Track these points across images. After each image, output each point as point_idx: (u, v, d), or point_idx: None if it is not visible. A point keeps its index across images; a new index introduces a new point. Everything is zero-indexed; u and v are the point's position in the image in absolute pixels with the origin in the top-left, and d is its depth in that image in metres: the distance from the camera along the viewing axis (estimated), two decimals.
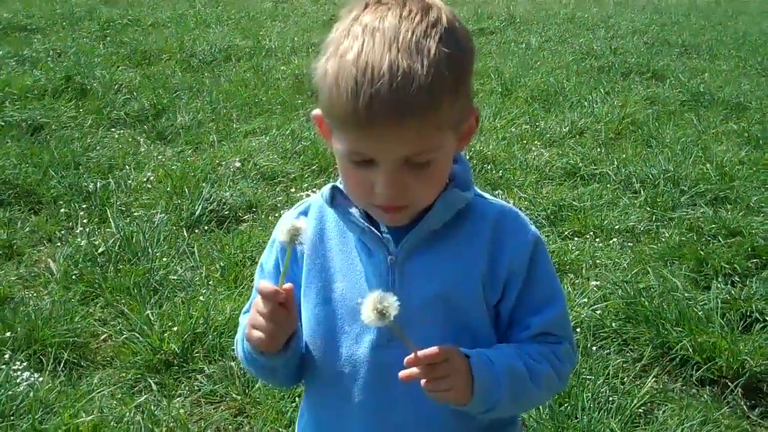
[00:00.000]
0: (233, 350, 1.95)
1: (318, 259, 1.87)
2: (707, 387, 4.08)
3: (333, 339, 1.86)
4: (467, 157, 6.76)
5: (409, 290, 1.77)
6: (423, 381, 1.65)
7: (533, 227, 1.87)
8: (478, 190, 1.88)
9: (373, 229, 1.80)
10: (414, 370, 1.63)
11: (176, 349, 4.21)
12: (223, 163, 6.99)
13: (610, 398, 3.82)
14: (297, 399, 3.69)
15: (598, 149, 7.60)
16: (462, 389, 1.68)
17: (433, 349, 1.64)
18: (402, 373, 1.64)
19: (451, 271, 1.78)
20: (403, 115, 1.54)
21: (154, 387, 3.99)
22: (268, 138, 7.71)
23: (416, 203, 1.73)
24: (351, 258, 1.85)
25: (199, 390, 3.99)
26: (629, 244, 5.59)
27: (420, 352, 1.63)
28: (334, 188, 1.82)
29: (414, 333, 1.68)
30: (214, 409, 3.90)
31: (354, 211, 1.80)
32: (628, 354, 4.30)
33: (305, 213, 1.93)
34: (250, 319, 1.76)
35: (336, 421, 1.91)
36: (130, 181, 6.53)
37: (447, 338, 1.74)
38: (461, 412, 1.78)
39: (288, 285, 1.71)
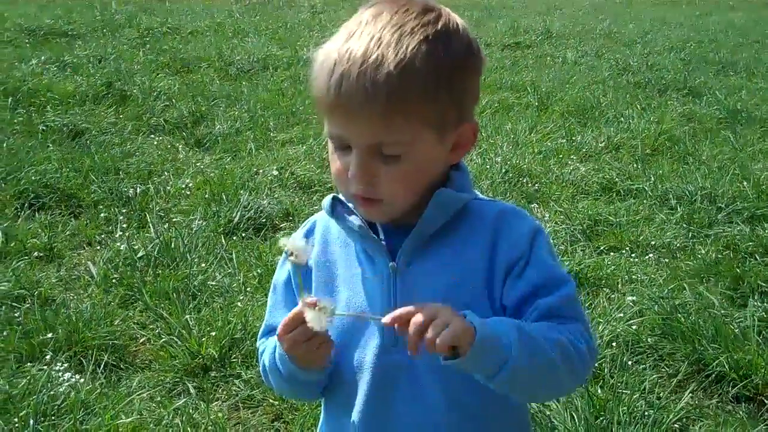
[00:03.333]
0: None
1: (323, 271, 1.90)
2: (743, 404, 4.06)
3: (343, 349, 1.88)
4: (503, 170, 6.83)
5: (412, 296, 1.77)
6: (423, 339, 1.59)
7: (534, 220, 1.87)
8: (479, 194, 1.89)
9: (373, 235, 1.82)
10: (394, 316, 1.61)
11: (214, 353, 4.25)
12: (261, 171, 7.05)
13: (646, 413, 3.81)
14: None
15: (635, 165, 7.58)
16: (460, 324, 1.59)
17: (404, 308, 1.62)
18: (383, 320, 1.62)
19: (452, 273, 1.79)
20: (367, 97, 1.61)
21: (192, 391, 4.04)
22: (305, 147, 7.76)
23: (388, 200, 1.74)
24: (354, 267, 1.87)
25: (237, 395, 4.03)
26: (665, 260, 5.57)
27: (395, 313, 1.61)
28: (335, 198, 1.86)
29: None
30: (251, 413, 3.93)
31: (353, 219, 1.83)
32: (663, 369, 4.30)
33: (312, 230, 1.97)
34: (296, 343, 1.75)
35: (345, 424, 1.92)
36: (169, 188, 6.62)
37: None
38: (467, 414, 1.81)
39: (312, 298, 1.72)
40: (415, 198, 1.77)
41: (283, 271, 1.99)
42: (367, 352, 1.85)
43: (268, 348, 1.94)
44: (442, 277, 1.79)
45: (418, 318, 1.59)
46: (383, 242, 1.83)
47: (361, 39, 1.65)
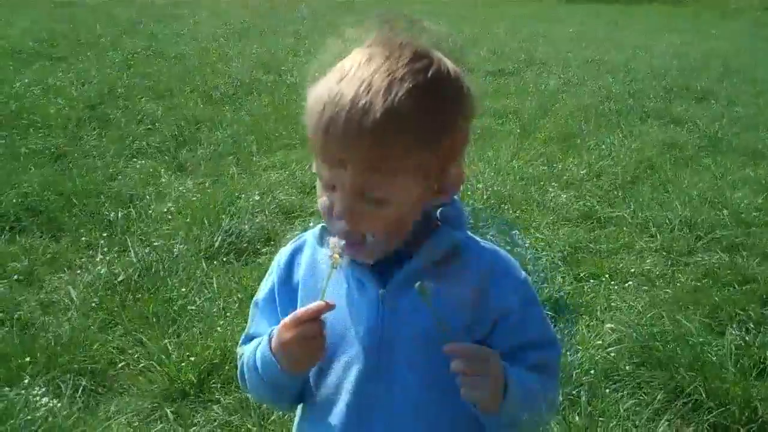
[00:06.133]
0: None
1: (310, 290, 1.92)
2: None
3: (323, 367, 1.91)
4: (485, 197, 6.85)
5: (399, 325, 1.84)
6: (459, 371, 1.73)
7: (524, 272, 1.94)
8: (471, 234, 1.94)
9: (364, 263, 1.86)
10: (456, 347, 1.73)
11: (193, 379, 4.25)
12: (243, 195, 7.05)
13: None
14: None
15: (615, 192, 7.63)
16: (493, 396, 1.73)
17: (475, 346, 1.75)
18: (446, 347, 1.72)
19: (439, 307, 1.80)
20: (353, 144, 1.64)
21: (170, 416, 4.03)
22: (287, 172, 7.77)
23: (370, 240, 1.78)
24: (341, 290, 1.89)
25: (215, 420, 4.02)
26: (644, 287, 5.60)
27: (461, 344, 1.73)
28: (324, 228, 1.90)
29: (402, 366, 1.79)
30: None
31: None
32: (641, 397, 4.31)
33: (301, 248, 2.00)
34: (293, 341, 1.79)
35: None
36: (150, 211, 6.60)
37: (434, 371, 1.80)
38: None
39: (332, 301, 1.78)
40: (399, 240, 1.82)
41: (266, 287, 2.03)
42: (348, 375, 1.88)
43: (249, 349, 1.97)
44: (429, 310, 1.81)
45: (468, 365, 1.72)
46: (377, 270, 1.86)
47: (351, 82, 1.67)
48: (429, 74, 1.70)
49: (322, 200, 1.80)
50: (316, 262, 1.94)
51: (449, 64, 1.77)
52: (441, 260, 1.85)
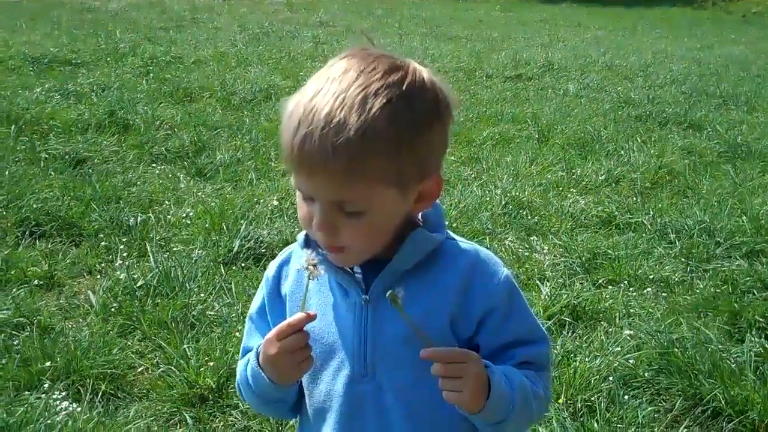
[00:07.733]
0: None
1: (296, 302, 1.95)
2: None
3: (313, 377, 1.94)
4: (503, 202, 6.84)
5: (383, 328, 1.86)
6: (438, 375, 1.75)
7: (507, 270, 1.94)
8: (452, 234, 1.95)
9: (347, 269, 1.88)
10: (433, 352, 1.74)
11: (212, 384, 4.26)
12: (261, 201, 7.07)
13: None
14: None
15: (634, 198, 7.62)
16: (475, 395, 1.75)
17: (451, 349, 1.78)
18: (423, 353, 1.74)
19: (421, 309, 1.83)
20: (327, 161, 1.64)
21: (189, 421, 4.04)
22: None
23: (352, 249, 1.80)
24: (326, 298, 1.93)
25: (234, 425, 4.04)
26: (663, 294, 5.58)
27: (437, 349, 1.75)
28: (307, 234, 1.91)
29: (390, 368, 1.83)
30: None
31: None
32: (660, 404, 4.30)
33: (288, 260, 2.03)
34: (279, 354, 1.81)
35: None
36: (169, 217, 6.63)
37: (420, 375, 1.82)
38: None
39: (313, 311, 1.81)
40: (378, 248, 1.83)
41: (258, 301, 2.06)
42: (336, 381, 1.91)
43: (242, 365, 2.01)
44: (411, 312, 1.82)
45: (446, 368, 1.74)
46: (356, 275, 1.89)
47: (326, 97, 1.68)
48: (404, 87, 1.71)
49: (302, 211, 1.82)
50: (302, 273, 1.94)
51: (425, 73, 1.79)
52: (420, 263, 1.86)
